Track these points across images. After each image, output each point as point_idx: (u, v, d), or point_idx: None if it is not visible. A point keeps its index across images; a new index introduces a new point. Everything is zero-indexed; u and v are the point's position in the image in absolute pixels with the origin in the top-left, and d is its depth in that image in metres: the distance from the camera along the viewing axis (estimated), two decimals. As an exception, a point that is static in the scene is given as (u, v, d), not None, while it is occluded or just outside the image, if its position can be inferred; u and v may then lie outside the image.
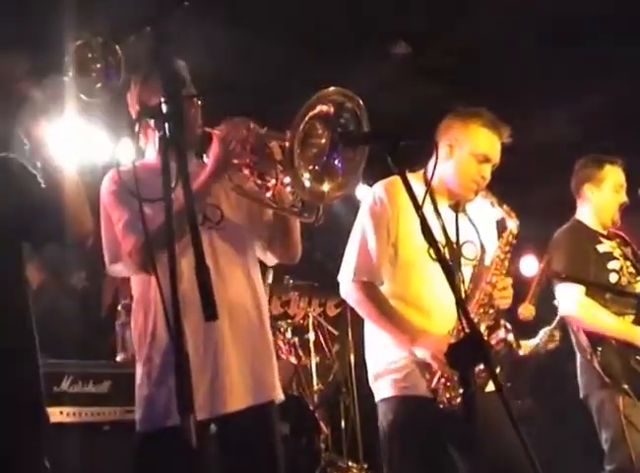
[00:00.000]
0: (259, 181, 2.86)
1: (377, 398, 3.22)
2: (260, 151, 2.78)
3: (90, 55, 2.17)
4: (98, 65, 2.18)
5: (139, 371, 2.89)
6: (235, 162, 2.81)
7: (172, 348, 1.58)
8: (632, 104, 5.90)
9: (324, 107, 2.46)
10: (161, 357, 2.78)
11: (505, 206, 3.21)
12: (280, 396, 2.99)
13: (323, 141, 2.54)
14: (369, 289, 3.15)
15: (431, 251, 3.04)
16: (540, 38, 5.36)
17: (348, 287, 3.20)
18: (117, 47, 2.20)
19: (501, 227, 3.30)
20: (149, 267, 2.63)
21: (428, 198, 3.22)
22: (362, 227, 3.21)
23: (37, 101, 2.19)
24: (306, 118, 2.45)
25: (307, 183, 2.52)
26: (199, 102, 2.94)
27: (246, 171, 2.88)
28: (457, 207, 3.28)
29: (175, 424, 1.62)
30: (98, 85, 2.20)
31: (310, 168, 2.53)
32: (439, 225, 3.16)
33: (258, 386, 2.87)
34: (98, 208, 2.88)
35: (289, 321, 6.50)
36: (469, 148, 3.20)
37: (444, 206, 3.25)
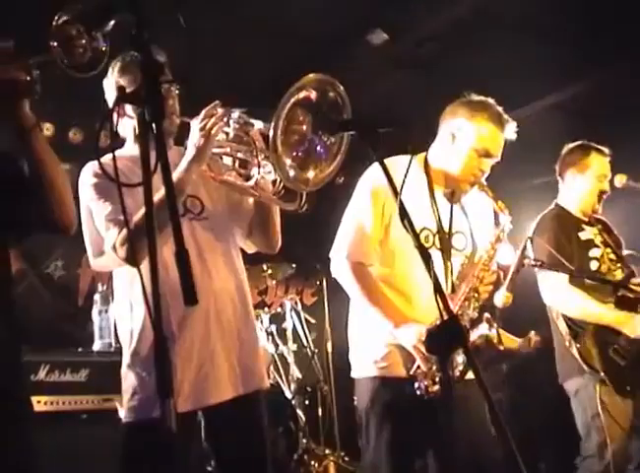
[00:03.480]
0: (241, 170, 2.86)
1: (355, 375, 3.25)
2: (241, 139, 2.77)
3: (74, 31, 2.14)
4: (83, 40, 2.15)
5: (125, 362, 2.88)
6: (216, 150, 2.79)
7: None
8: (614, 95, 5.93)
9: (306, 94, 2.46)
10: (148, 349, 2.77)
11: (500, 202, 3.21)
12: (266, 384, 3.00)
13: (305, 127, 2.55)
14: (360, 269, 3.16)
15: (421, 238, 3.09)
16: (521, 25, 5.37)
17: (339, 265, 3.21)
18: (102, 19, 2.17)
19: (495, 222, 3.31)
20: (132, 258, 2.61)
21: (426, 183, 3.24)
22: (359, 207, 3.22)
23: (23, 83, 2.15)
24: (288, 105, 2.45)
25: (290, 170, 2.52)
26: (176, 92, 2.93)
27: (227, 160, 2.87)
28: (452, 197, 3.29)
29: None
30: (86, 59, 2.17)
31: (293, 154, 2.53)
32: (434, 211, 3.18)
33: (246, 376, 2.87)
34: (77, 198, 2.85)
35: (267, 310, 6.50)
36: (472, 140, 3.18)
37: (439, 194, 3.26)
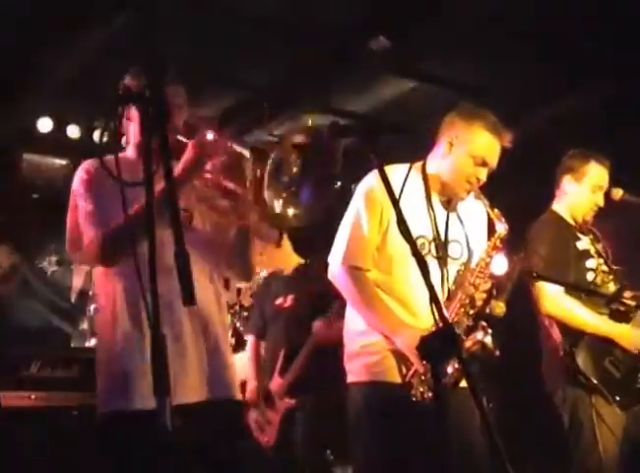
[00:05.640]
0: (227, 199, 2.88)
1: (349, 380, 3.24)
2: (233, 169, 2.79)
3: None
4: None
5: None
6: (209, 177, 2.80)
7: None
8: (610, 106, 5.93)
9: (299, 140, 2.52)
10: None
11: (496, 210, 3.22)
12: (238, 395, 2.97)
13: (295, 169, 2.59)
14: (357, 274, 3.16)
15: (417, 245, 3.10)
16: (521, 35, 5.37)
17: (336, 270, 3.21)
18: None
19: (490, 230, 3.32)
20: (106, 260, 2.69)
21: (423, 191, 3.25)
22: (357, 212, 3.22)
23: None
24: (282, 148, 2.50)
25: (277, 209, 2.57)
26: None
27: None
28: (448, 205, 3.30)
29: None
30: None
31: (280, 193, 2.58)
32: (431, 219, 3.20)
33: (215, 382, 2.85)
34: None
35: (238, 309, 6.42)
36: (468, 149, 3.20)
37: (436, 202, 3.27)
